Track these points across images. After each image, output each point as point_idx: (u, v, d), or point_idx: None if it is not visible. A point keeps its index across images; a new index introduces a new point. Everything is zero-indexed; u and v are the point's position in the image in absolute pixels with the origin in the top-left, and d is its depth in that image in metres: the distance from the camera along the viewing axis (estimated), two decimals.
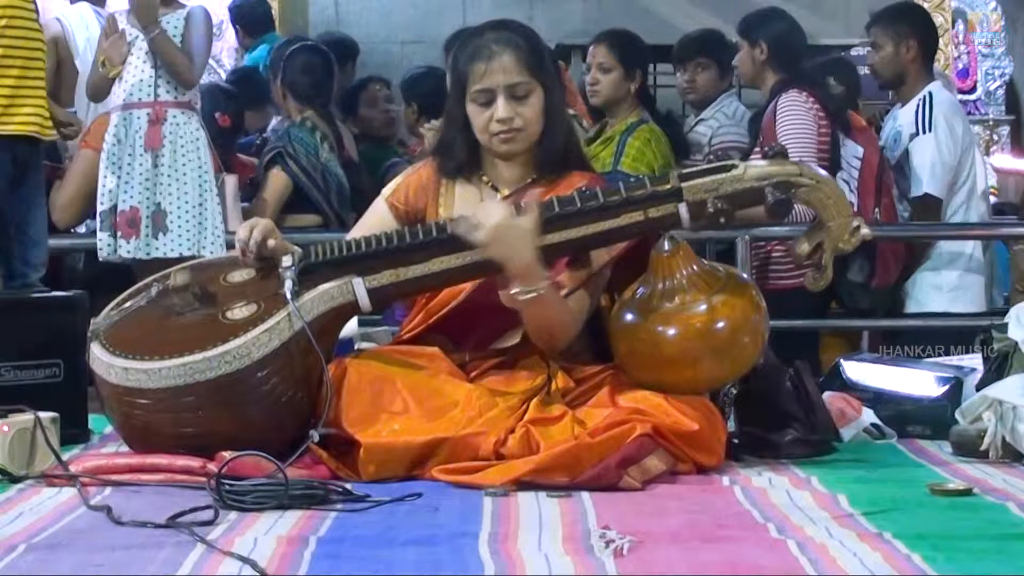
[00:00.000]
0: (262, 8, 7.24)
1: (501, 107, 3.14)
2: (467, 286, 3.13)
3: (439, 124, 4.91)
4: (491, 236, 2.97)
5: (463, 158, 3.25)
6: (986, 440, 3.09)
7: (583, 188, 3.10)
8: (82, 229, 5.38)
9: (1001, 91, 8.89)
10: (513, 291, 2.99)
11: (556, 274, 3.11)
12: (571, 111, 4.37)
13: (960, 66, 8.72)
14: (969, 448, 3.14)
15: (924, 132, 5.01)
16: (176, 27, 5.00)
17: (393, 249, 3.07)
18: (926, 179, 4.99)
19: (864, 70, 6.84)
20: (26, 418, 2.92)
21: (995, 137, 8.51)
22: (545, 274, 3.00)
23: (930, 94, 5.07)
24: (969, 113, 8.34)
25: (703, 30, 5.96)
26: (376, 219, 3.29)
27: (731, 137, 5.38)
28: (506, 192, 3.23)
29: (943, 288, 5.06)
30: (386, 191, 3.34)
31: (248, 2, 7.21)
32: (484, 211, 3.00)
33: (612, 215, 3.05)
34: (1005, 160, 7.38)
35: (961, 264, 5.06)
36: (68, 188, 5.19)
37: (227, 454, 2.76)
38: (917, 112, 5.05)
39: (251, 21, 7.08)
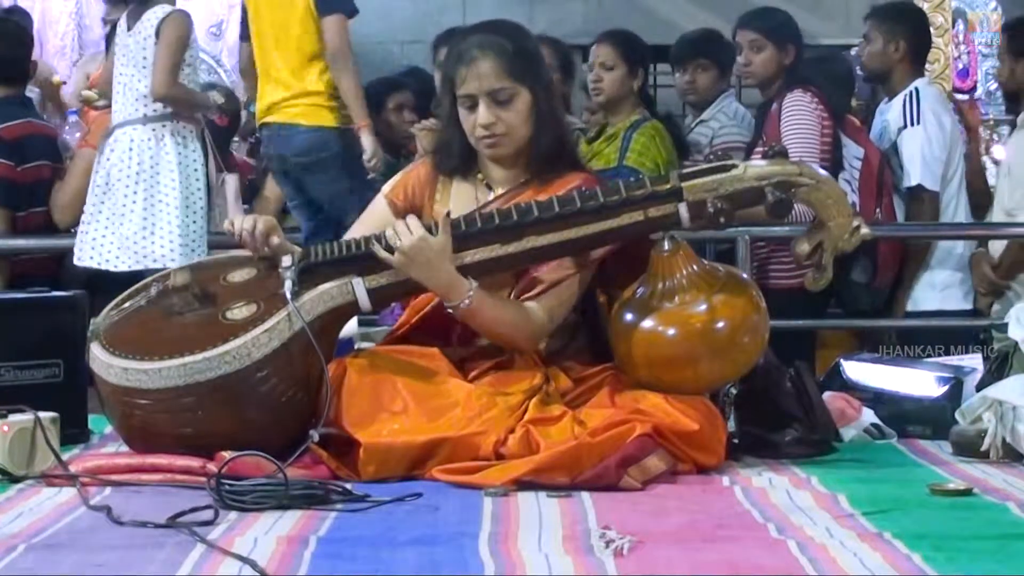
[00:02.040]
0: None
1: (482, 113, 3.15)
2: None
3: (432, 124, 4.95)
4: (404, 258, 2.98)
5: (459, 158, 3.25)
6: (986, 440, 3.09)
7: (583, 188, 3.10)
8: None
9: (1001, 91, 8.88)
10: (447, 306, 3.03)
11: (531, 277, 3.11)
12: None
13: (960, 66, 8.70)
14: (969, 448, 3.14)
15: (912, 124, 5.05)
16: (152, 24, 4.92)
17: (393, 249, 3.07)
18: (917, 171, 5.02)
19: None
20: (26, 418, 2.92)
21: (995, 137, 8.48)
22: (468, 286, 3.01)
23: (917, 89, 5.11)
24: None
25: (702, 30, 5.94)
26: (376, 216, 3.29)
27: (733, 137, 5.37)
28: (500, 191, 3.23)
29: (936, 286, 5.08)
30: (385, 188, 3.34)
31: None
32: (396, 232, 3.00)
33: (612, 215, 3.05)
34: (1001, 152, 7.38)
35: (952, 261, 5.08)
36: (69, 188, 5.18)
37: (227, 454, 2.76)
38: (905, 105, 5.09)
39: None
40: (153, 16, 4.91)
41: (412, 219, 3.03)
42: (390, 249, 3.02)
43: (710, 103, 5.56)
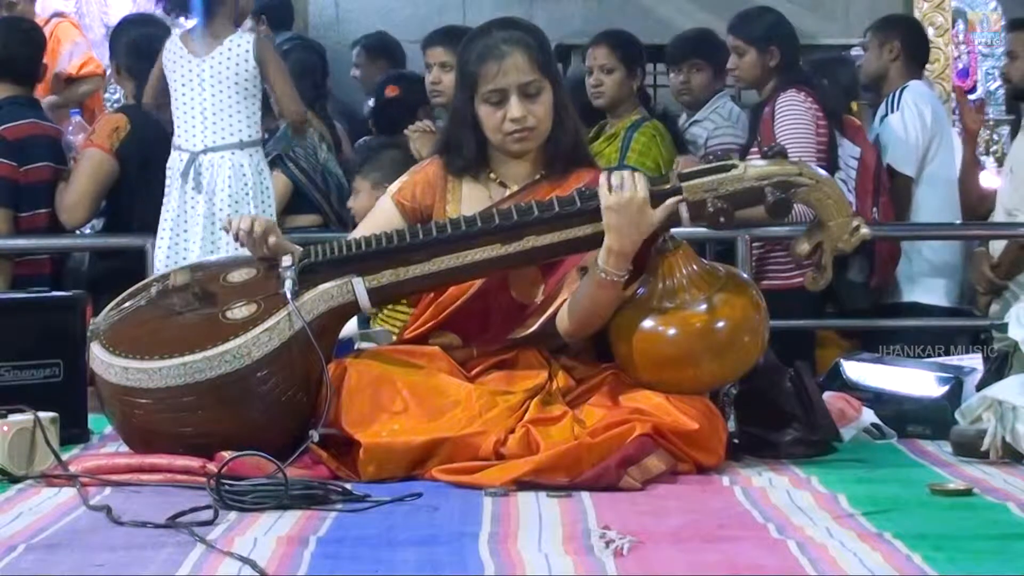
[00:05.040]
0: (286, 4, 7.13)
1: (514, 107, 3.14)
2: (476, 282, 3.13)
3: (425, 125, 4.95)
4: (622, 204, 2.97)
5: (471, 157, 3.24)
6: (986, 440, 3.09)
7: (583, 188, 3.11)
8: (87, 229, 5.38)
9: (1001, 91, 8.87)
10: (600, 267, 2.99)
11: (562, 273, 3.11)
12: None
13: (960, 66, 8.70)
14: (969, 448, 3.13)
15: (891, 112, 5.19)
16: (246, 50, 4.96)
17: (393, 249, 3.07)
18: (888, 154, 5.12)
19: None
20: (26, 418, 2.92)
21: (995, 137, 8.48)
22: (629, 265, 3.01)
23: (907, 85, 5.24)
24: None
25: (696, 30, 5.94)
26: (383, 217, 3.28)
27: (728, 139, 5.38)
28: (514, 188, 3.23)
29: (914, 279, 5.11)
30: (392, 188, 3.33)
31: None
32: (631, 180, 2.99)
33: None
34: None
35: (931, 257, 5.11)
36: (76, 188, 5.17)
37: (227, 454, 2.76)
38: (889, 97, 5.24)
39: (275, 15, 6.96)
40: (241, 40, 4.97)
41: (640, 177, 3.01)
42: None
43: (704, 103, 5.57)
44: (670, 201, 3.01)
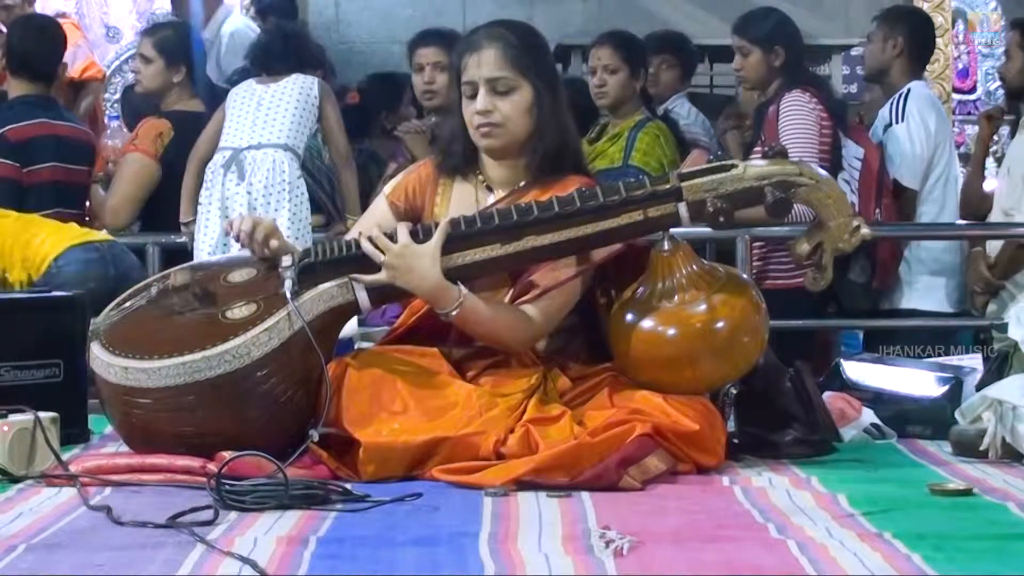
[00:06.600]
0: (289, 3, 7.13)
1: (480, 99, 3.15)
2: None
3: (417, 125, 4.95)
4: (387, 269, 2.99)
5: (461, 155, 3.25)
6: (986, 440, 3.09)
7: (583, 188, 3.10)
8: None
9: (1001, 91, 8.87)
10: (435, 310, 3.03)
11: (533, 273, 3.11)
12: None
13: (960, 66, 8.70)
14: (969, 448, 3.14)
15: (897, 122, 5.14)
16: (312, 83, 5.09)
17: None
18: (895, 167, 5.08)
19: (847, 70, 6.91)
20: (26, 418, 2.92)
21: (995, 137, 8.49)
22: (458, 292, 3.01)
23: (909, 89, 5.20)
24: (968, 113, 8.34)
25: (668, 31, 6.05)
26: (377, 217, 3.29)
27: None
28: (501, 193, 3.23)
29: (912, 284, 5.11)
30: (387, 189, 3.35)
31: None
32: (378, 244, 3.01)
33: (612, 215, 3.06)
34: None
35: (931, 263, 5.11)
36: (120, 192, 5.20)
37: (227, 454, 2.76)
38: (893, 104, 5.19)
39: (280, 15, 6.95)
40: (309, 79, 5.12)
41: (400, 227, 3.03)
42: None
43: (666, 100, 5.70)
44: (439, 228, 3.01)
